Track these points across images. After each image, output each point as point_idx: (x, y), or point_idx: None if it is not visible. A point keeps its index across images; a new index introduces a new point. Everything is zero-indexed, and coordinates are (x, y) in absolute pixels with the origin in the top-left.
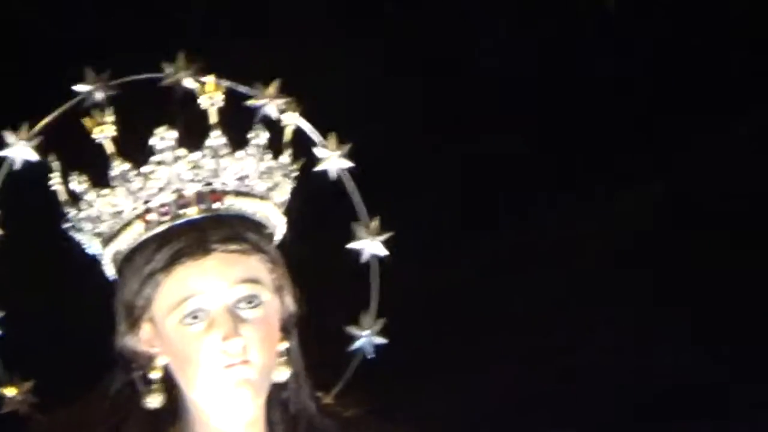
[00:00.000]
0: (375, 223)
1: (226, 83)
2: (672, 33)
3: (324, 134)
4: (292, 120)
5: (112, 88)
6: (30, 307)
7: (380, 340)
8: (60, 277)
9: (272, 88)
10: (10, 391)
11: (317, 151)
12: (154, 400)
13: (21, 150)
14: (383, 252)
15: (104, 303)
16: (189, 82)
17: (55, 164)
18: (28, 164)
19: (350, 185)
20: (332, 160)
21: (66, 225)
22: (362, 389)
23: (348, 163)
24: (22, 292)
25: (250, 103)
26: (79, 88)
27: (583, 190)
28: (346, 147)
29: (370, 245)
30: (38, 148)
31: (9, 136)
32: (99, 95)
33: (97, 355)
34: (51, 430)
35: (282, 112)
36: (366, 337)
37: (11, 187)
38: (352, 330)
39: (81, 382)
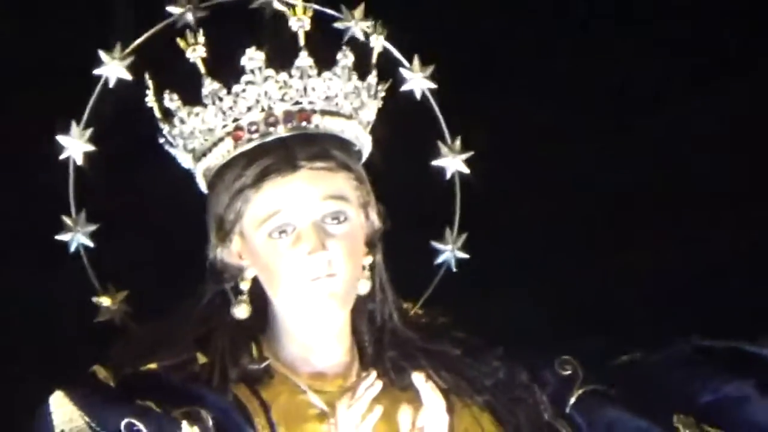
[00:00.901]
0: (457, 142)
1: (313, 6)
2: None
3: (408, 57)
4: (379, 42)
5: (203, 9)
6: (123, 220)
7: (462, 255)
8: (152, 190)
9: (359, 11)
10: (106, 301)
11: (403, 72)
12: (241, 311)
13: (115, 68)
14: (465, 169)
15: (197, 216)
16: (278, 4)
17: (150, 82)
18: (121, 82)
19: (434, 105)
20: (416, 80)
21: (161, 140)
22: (446, 301)
23: (431, 84)
24: (117, 205)
25: (337, 25)
26: (171, 9)
27: None
28: (430, 68)
29: (453, 162)
30: (131, 68)
31: (103, 56)
32: (190, 16)
33: (189, 266)
34: (145, 339)
35: (368, 35)
36: (449, 251)
37: (106, 103)
38: (437, 244)
39: (174, 292)
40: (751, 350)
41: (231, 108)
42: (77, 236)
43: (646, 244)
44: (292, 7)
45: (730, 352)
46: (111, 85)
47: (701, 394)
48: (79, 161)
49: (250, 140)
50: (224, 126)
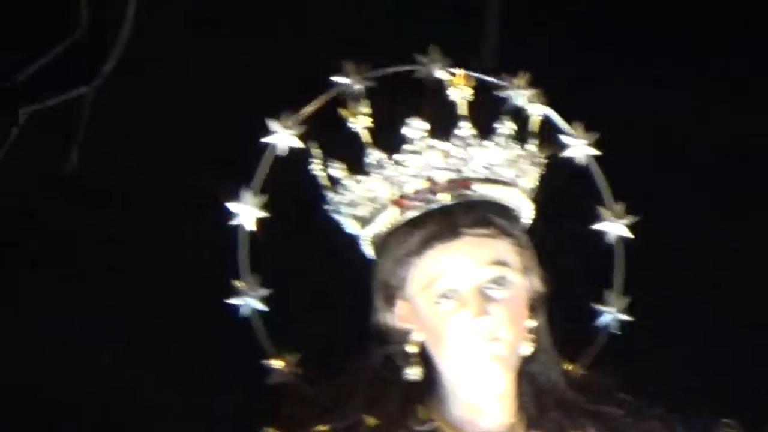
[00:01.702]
0: (620, 207)
1: (475, 75)
2: None
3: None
4: (541, 110)
5: (369, 80)
6: (295, 286)
7: (625, 317)
8: (322, 257)
9: (522, 80)
10: (279, 364)
11: (565, 139)
12: (414, 372)
13: (285, 137)
14: (628, 234)
15: (364, 281)
16: (440, 74)
17: (316, 151)
18: (291, 151)
19: (597, 171)
20: (579, 147)
21: (327, 208)
22: (609, 364)
23: (594, 151)
24: (288, 270)
25: (500, 93)
26: (338, 79)
27: None
28: (594, 135)
29: (615, 227)
30: (300, 136)
31: (274, 124)
32: (357, 87)
33: (358, 331)
34: (316, 401)
35: (530, 102)
36: (612, 314)
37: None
38: (599, 307)
39: (343, 356)
40: None
41: (395, 176)
42: (249, 301)
43: None
44: (453, 76)
45: None
46: (278, 153)
47: None
48: (250, 227)
49: (414, 208)
50: (389, 194)
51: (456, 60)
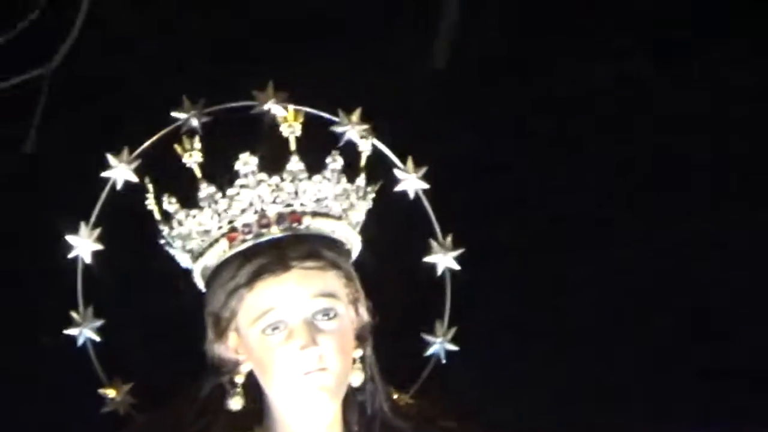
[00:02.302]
0: (449, 240)
1: (307, 110)
2: None
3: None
4: (370, 146)
5: (207, 115)
6: (126, 316)
7: (452, 347)
8: (154, 288)
9: (355, 116)
10: (111, 392)
11: (397, 173)
12: (235, 403)
13: (122, 171)
14: (456, 266)
15: (195, 312)
16: (276, 109)
17: (150, 186)
18: (128, 185)
19: (427, 204)
20: (410, 180)
21: (160, 241)
22: (436, 392)
23: (424, 184)
24: (121, 300)
25: (334, 129)
26: (176, 114)
27: None
28: (422, 169)
29: (444, 260)
30: (137, 170)
31: (111, 159)
32: (195, 122)
33: (188, 361)
34: (147, 428)
35: (363, 137)
36: (440, 344)
37: (111, 205)
38: (427, 337)
39: (174, 384)
40: None
41: (226, 210)
42: (84, 331)
43: None
44: (285, 111)
45: None
46: (118, 187)
47: None
48: (87, 259)
49: (244, 241)
50: (219, 227)
51: (292, 94)
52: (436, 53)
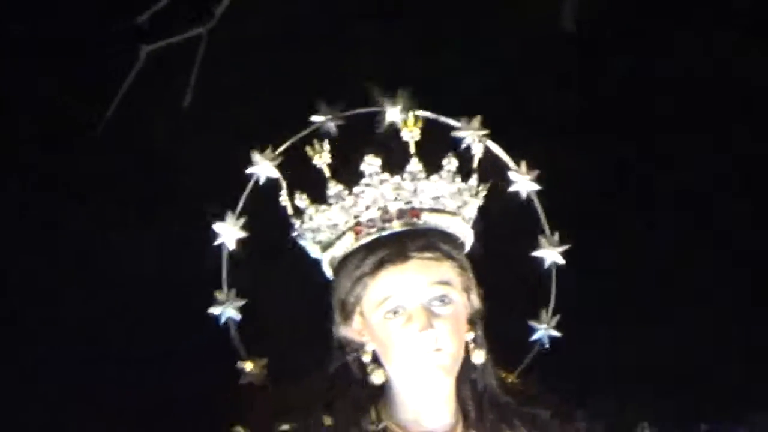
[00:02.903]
0: (556, 236)
1: (430, 115)
2: None
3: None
4: (480, 148)
5: (342, 119)
6: (266, 298)
7: (555, 333)
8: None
9: (476, 122)
10: (248, 366)
11: (511, 175)
12: (378, 377)
13: (266, 167)
14: (562, 260)
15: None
16: (395, 116)
17: (283, 183)
18: (269, 180)
19: (538, 205)
20: (523, 182)
21: (293, 233)
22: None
23: (536, 186)
24: (261, 284)
25: (455, 134)
26: (315, 118)
27: None
28: (535, 172)
29: (551, 254)
30: (279, 167)
31: (256, 156)
32: (331, 125)
33: (320, 341)
34: (280, 400)
35: (479, 142)
36: (544, 330)
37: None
38: (533, 323)
39: (306, 362)
40: None
41: (352, 207)
42: (227, 310)
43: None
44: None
45: None
46: (261, 182)
47: None
48: (231, 246)
49: (368, 234)
50: (346, 222)
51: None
52: (564, 15)
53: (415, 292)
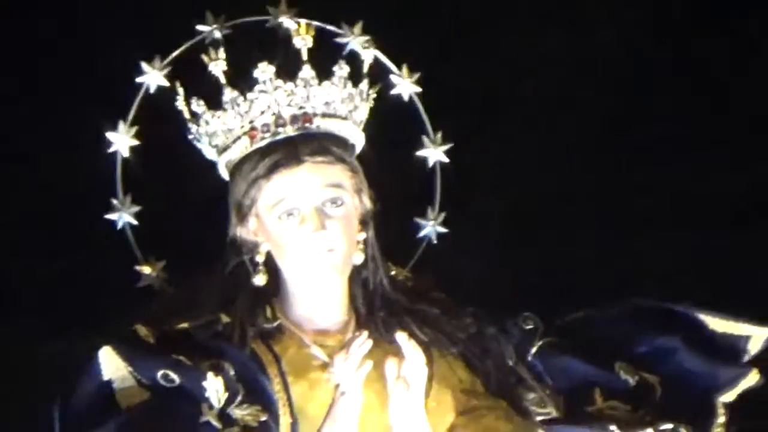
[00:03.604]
0: (438, 136)
1: (317, 24)
2: None
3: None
4: (372, 54)
5: (229, 28)
6: (161, 202)
7: (442, 229)
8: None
9: (358, 28)
10: (146, 269)
11: (394, 79)
12: (260, 279)
13: (155, 77)
14: (445, 158)
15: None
16: (287, 24)
17: (180, 90)
18: (159, 89)
19: (420, 106)
20: (404, 85)
21: (190, 137)
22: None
23: (417, 88)
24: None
25: (338, 40)
26: (201, 27)
27: None
28: (416, 75)
29: (434, 153)
30: (169, 76)
31: (145, 66)
32: (217, 33)
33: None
34: (179, 299)
35: (364, 48)
36: (431, 227)
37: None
38: (420, 220)
39: (201, 262)
40: (678, 310)
41: (247, 112)
42: (123, 215)
43: None
44: (299, 25)
45: (662, 311)
46: (151, 90)
47: (637, 346)
48: (125, 154)
49: (262, 138)
50: (241, 127)
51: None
52: None
53: (308, 194)
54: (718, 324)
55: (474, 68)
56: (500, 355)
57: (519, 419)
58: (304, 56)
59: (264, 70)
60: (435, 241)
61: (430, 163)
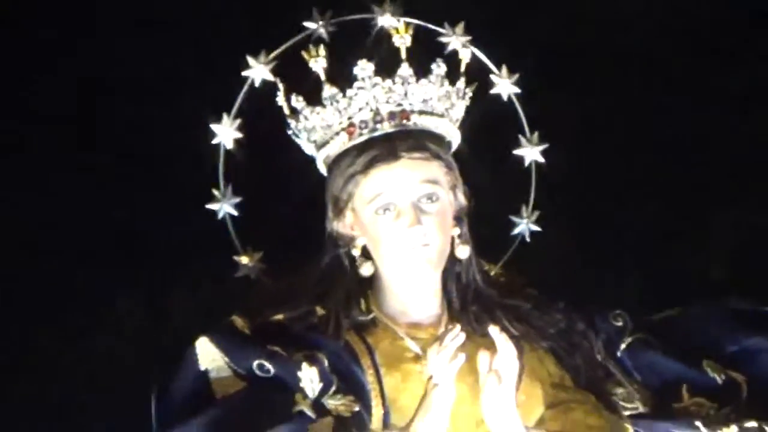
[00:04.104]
0: (535, 136)
1: (417, 22)
2: None
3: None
4: (467, 54)
5: (333, 25)
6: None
7: (535, 228)
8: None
9: (460, 28)
10: (244, 259)
11: (493, 78)
12: (366, 269)
13: (260, 71)
14: (541, 158)
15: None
16: (387, 22)
17: (281, 85)
18: (264, 83)
19: (518, 106)
20: (504, 85)
21: (289, 132)
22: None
23: (516, 89)
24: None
25: (441, 39)
26: (307, 24)
27: None
28: (515, 75)
29: (531, 153)
30: (273, 71)
31: (251, 60)
32: (323, 31)
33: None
34: (276, 291)
35: (464, 47)
36: (525, 224)
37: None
38: (514, 218)
39: (300, 255)
40: None
41: (346, 108)
42: (224, 206)
43: None
44: (398, 23)
45: (754, 313)
46: (257, 84)
47: (727, 346)
48: (229, 146)
49: (360, 135)
50: (340, 123)
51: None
52: None
53: (404, 189)
54: None
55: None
56: (589, 350)
57: (607, 413)
58: (403, 54)
59: (363, 68)
60: (528, 239)
61: (526, 163)
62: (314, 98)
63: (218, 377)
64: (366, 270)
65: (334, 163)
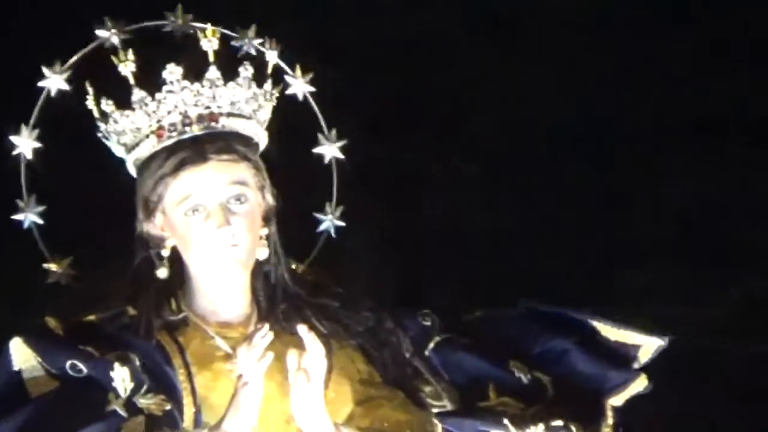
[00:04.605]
0: (333, 133)
1: (220, 29)
2: None
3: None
4: (272, 56)
5: (126, 33)
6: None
7: (340, 223)
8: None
9: (251, 31)
10: (54, 266)
11: (288, 79)
12: (162, 272)
13: (56, 81)
14: (340, 155)
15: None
16: (189, 28)
17: (90, 89)
18: (60, 92)
19: (314, 105)
20: (299, 85)
21: (99, 134)
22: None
23: (310, 88)
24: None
25: (234, 43)
26: (99, 32)
27: None
28: (309, 75)
29: (330, 150)
30: (68, 80)
31: (46, 71)
32: (115, 39)
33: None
34: (85, 295)
35: (259, 51)
36: (329, 221)
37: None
38: (319, 216)
39: (109, 258)
40: (574, 316)
41: (155, 111)
42: (29, 215)
43: None
44: (203, 30)
45: (558, 316)
46: (53, 94)
47: (532, 347)
48: (29, 156)
49: (169, 137)
50: (149, 126)
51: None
52: None
53: (213, 191)
54: (610, 332)
55: None
56: (397, 348)
57: (415, 410)
58: (211, 57)
59: (172, 71)
60: (334, 235)
61: (326, 160)
62: (124, 102)
63: (32, 377)
64: (161, 273)
65: (143, 166)
